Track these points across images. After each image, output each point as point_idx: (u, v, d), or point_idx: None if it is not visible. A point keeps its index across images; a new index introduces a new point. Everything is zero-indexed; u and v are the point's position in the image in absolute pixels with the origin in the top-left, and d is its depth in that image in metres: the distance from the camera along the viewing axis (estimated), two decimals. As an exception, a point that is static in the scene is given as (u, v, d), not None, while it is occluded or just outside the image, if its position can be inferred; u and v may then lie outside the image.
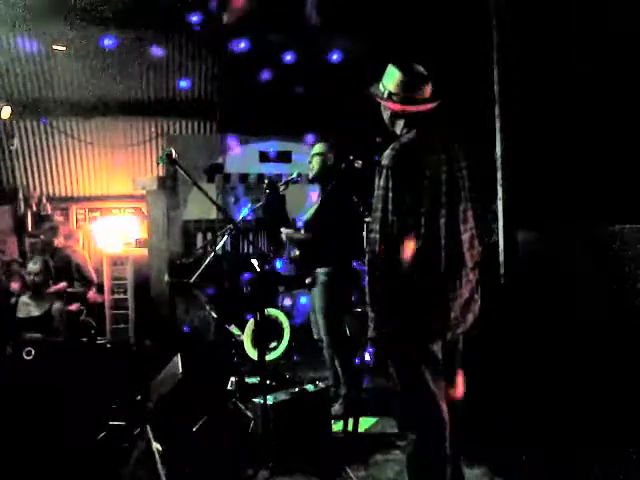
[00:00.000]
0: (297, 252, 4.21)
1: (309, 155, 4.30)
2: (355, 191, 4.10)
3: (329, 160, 4.15)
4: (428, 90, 2.53)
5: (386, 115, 2.62)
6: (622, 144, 4.01)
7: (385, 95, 2.54)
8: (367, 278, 2.41)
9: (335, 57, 6.72)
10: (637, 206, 3.73)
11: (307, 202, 6.45)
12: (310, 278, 4.11)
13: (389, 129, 2.64)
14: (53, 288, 6.11)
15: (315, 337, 4.27)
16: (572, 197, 4.27)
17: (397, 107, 2.53)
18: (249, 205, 4.24)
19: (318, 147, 4.24)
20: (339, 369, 4.09)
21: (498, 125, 4.68)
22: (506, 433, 3.47)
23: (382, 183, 2.37)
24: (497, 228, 4.70)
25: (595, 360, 3.78)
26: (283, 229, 4.29)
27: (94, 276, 6.65)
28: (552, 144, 4.51)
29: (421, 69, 2.54)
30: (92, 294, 6.63)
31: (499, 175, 4.68)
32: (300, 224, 4.36)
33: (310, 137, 6.97)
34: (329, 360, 4.16)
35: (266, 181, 4.37)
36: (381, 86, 2.57)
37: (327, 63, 6.70)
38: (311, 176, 4.28)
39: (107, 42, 6.10)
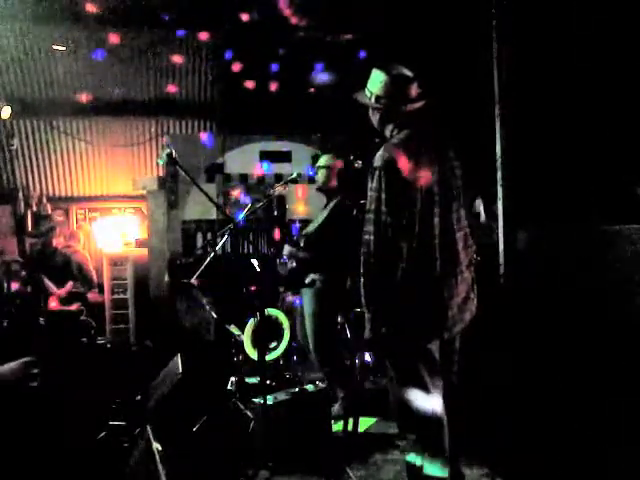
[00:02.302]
0: (294, 264, 4.19)
1: (316, 164, 4.25)
2: (352, 192, 4.08)
3: (334, 174, 4.11)
4: (414, 90, 2.54)
5: (375, 119, 2.62)
6: (622, 144, 4.01)
7: (372, 99, 2.55)
8: (362, 279, 2.41)
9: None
10: (637, 206, 3.73)
11: (308, 202, 6.45)
12: (309, 279, 4.11)
13: (380, 133, 2.65)
14: (60, 291, 6.11)
15: (300, 341, 4.27)
16: (572, 197, 4.27)
17: (385, 110, 2.54)
18: (247, 208, 4.21)
19: (324, 159, 4.19)
20: (327, 373, 4.08)
21: (498, 125, 4.68)
22: (506, 433, 3.47)
23: (375, 184, 2.38)
24: (497, 228, 4.70)
25: (595, 359, 3.78)
26: (286, 247, 4.25)
27: (95, 277, 6.66)
28: (552, 144, 4.51)
29: (405, 70, 2.55)
30: (92, 294, 6.64)
31: (499, 175, 4.67)
32: (297, 227, 4.34)
33: (310, 137, 6.97)
34: (317, 364, 4.15)
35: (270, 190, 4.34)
36: (367, 91, 2.58)
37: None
38: (317, 188, 4.25)
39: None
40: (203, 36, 6.62)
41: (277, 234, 6.47)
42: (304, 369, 4.89)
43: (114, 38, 6.21)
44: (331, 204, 4.12)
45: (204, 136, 6.83)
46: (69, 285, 6.17)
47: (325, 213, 4.11)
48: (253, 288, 3.93)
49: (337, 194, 4.10)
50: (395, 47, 5.52)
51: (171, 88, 7.26)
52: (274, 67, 6.67)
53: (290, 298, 5.17)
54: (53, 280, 6.16)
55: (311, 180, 6.66)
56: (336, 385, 4.04)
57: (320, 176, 4.15)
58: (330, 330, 4.14)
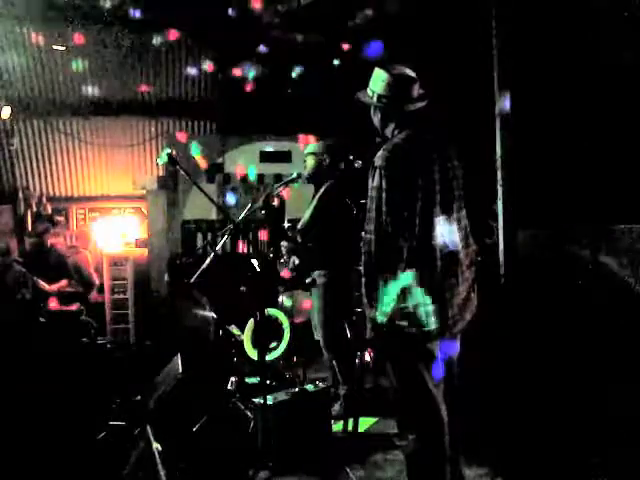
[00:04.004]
0: (297, 261, 4.20)
1: (305, 152, 4.27)
2: (350, 192, 4.08)
3: (324, 160, 4.12)
4: (416, 90, 2.55)
5: (377, 119, 2.63)
6: (622, 144, 4.01)
7: (375, 99, 2.56)
8: (363, 279, 2.41)
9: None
10: (637, 206, 3.73)
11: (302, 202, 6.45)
12: (310, 279, 4.12)
13: (380, 133, 2.64)
14: (53, 286, 6.13)
15: (316, 338, 4.29)
16: (572, 197, 4.27)
17: (387, 109, 2.54)
18: (247, 208, 4.20)
19: (312, 146, 4.20)
20: (337, 370, 4.09)
21: (498, 125, 4.68)
22: (506, 433, 3.47)
23: (375, 184, 2.38)
24: (497, 228, 4.70)
25: (596, 360, 3.78)
26: (283, 243, 4.27)
27: (95, 278, 6.68)
28: (552, 144, 4.51)
29: (408, 70, 2.57)
30: (93, 295, 6.66)
31: (499, 175, 4.67)
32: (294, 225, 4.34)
33: (311, 137, 6.97)
34: (328, 360, 4.17)
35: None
36: (369, 91, 2.59)
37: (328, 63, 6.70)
38: (305, 176, 4.26)
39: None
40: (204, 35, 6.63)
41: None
42: (304, 369, 4.88)
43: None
44: (321, 190, 4.13)
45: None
46: (63, 282, 6.18)
47: (314, 202, 4.13)
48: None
49: (324, 182, 4.11)
50: (394, 46, 5.52)
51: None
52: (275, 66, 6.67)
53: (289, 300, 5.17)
54: (48, 279, 6.17)
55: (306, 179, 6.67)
56: (342, 380, 4.05)
57: (308, 164, 4.17)
58: (339, 324, 4.17)
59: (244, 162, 6.91)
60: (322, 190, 4.12)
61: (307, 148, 4.24)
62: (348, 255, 4.00)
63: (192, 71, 7.25)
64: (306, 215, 4.17)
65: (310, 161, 4.17)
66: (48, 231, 6.59)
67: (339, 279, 4.07)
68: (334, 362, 4.10)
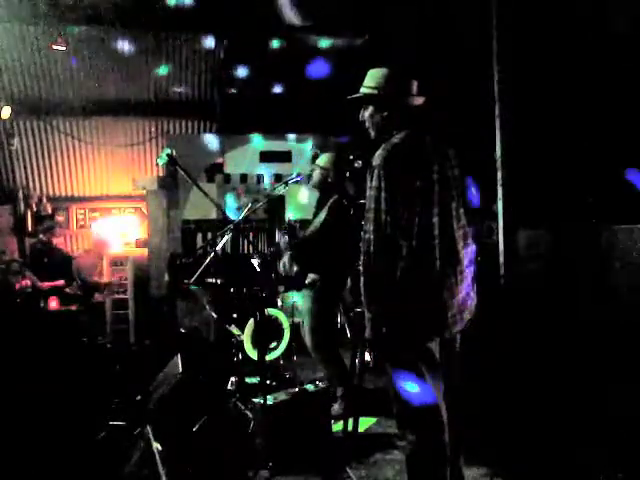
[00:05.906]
0: (295, 268, 4.20)
1: (311, 162, 4.27)
2: (349, 194, 4.07)
3: (330, 176, 4.10)
4: (416, 84, 2.55)
5: (376, 119, 2.57)
6: (621, 144, 4.02)
7: (375, 94, 2.54)
8: (362, 279, 2.41)
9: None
10: (636, 206, 3.73)
11: (307, 202, 6.44)
12: (310, 279, 4.11)
13: (378, 135, 2.61)
14: (49, 284, 6.14)
15: (304, 338, 4.29)
16: (572, 197, 4.27)
17: (390, 101, 2.53)
18: (247, 208, 4.19)
19: (321, 160, 4.18)
20: (326, 372, 4.09)
21: (498, 125, 4.68)
22: (506, 433, 3.47)
23: (374, 184, 2.37)
24: (497, 228, 4.70)
25: (596, 359, 3.78)
26: (284, 238, 4.27)
27: (100, 280, 6.71)
28: (552, 144, 4.51)
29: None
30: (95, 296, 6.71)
31: (499, 175, 4.68)
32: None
33: (311, 137, 6.98)
34: (316, 361, 4.16)
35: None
36: (368, 89, 2.56)
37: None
38: (311, 185, 4.26)
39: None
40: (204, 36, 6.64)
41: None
42: (304, 369, 4.89)
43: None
44: (328, 203, 4.11)
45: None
46: (59, 282, 6.19)
47: (323, 215, 4.10)
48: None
49: (333, 192, 4.10)
50: (393, 46, 5.53)
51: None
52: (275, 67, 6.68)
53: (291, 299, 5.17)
54: (48, 278, 6.17)
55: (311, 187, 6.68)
56: (335, 383, 4.04)
57: (315, 175, 4.16)
58: (328, 328, 4.15)
59: (244, 162, 6.92)
60: (329, 206, 4.09)
61: (318, 160, 4.21)
62: (343, 259, 3.99)
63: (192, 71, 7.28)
64: (314, 225, 4.14)
65: (317, 174, 4.15)
66: (53, 229, 6.61)
67: (333, 284, 4.06)
68: (322, 365, 4.09)
